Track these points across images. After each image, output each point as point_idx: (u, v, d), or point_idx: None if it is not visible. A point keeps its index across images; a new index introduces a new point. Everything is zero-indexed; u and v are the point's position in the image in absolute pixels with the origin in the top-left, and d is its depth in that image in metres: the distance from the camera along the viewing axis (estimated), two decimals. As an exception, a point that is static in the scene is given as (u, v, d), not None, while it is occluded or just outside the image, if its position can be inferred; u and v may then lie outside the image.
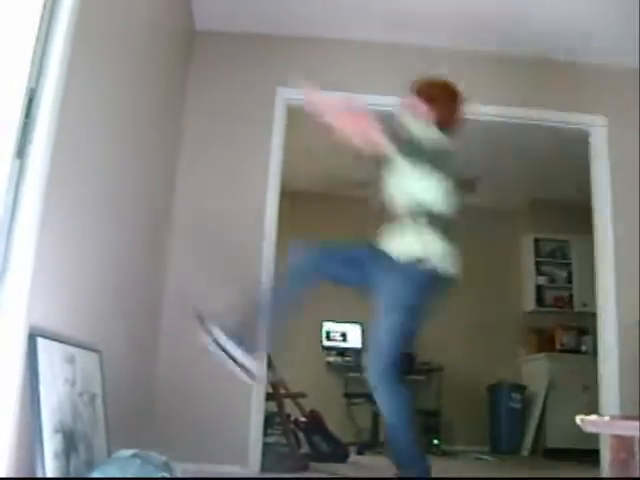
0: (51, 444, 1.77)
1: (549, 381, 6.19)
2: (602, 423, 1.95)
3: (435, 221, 2.54)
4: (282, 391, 4.26)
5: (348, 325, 6.81)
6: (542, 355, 6.44)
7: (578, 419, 1.86)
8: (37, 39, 1.82)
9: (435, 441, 5.95)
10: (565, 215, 6.42)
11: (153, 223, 3.32)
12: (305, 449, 4.65)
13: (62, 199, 1.99)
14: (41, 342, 1.83)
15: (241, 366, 2.35)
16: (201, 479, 3.06)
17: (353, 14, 3.85)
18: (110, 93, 2.43)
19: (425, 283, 2.49)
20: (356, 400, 6.22)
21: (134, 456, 1.85)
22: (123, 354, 2.75)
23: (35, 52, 1.81)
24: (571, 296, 6.78)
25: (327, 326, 6.77)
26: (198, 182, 3.87)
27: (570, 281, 6.82)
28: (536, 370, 6.46)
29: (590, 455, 4.08)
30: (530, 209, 6.92)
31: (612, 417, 2.15)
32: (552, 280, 6.92)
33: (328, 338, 6.78)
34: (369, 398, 6.51)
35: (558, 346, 6.56)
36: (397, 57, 4.04)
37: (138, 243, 2.96)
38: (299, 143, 4.36)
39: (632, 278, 3.76)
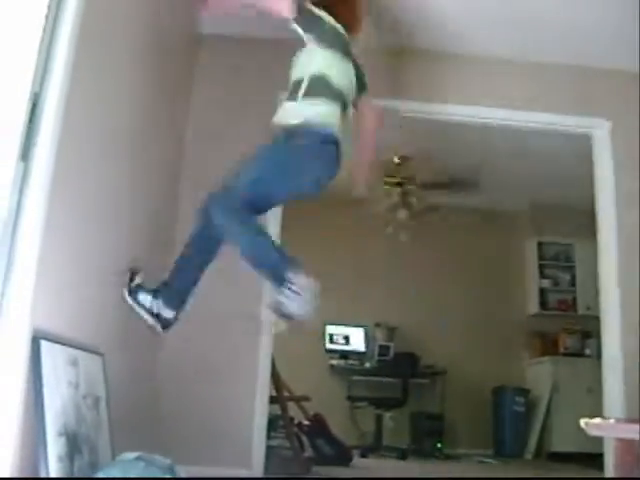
0: (55, 447, 1.77)
1: (553, 384, 6.18)
2: (607, 426, 1.95)
3: (333, 95, 2.63)
4: (286, 394, 4.26)
5: (351, 328, 6.83)
6: (546, 358, 6.43)
7: (582, 422, 1.86)
8: (41, 44, 1.83)
9: (438, 444, 5.93)
10: (569, 218, 6.42)
11: (156, 226, 3.33)
12: (308, 452, 4.64)
13: (66, 202, 1.99)
14: (45, 345, 1.83)
15: (155, 316, 2.56)
16: (204, 481, 3.07)
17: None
18: (113, 97, 2.44)
19: (305, 145, 2.54)
20: (359, 403, 6.23)
21: (138, 459, 1.85)
22: (126, 357, 2.75)
23: (39, 57, 1.83)
24: (575, 299, 6.76)
25: (330, 329, 6.77)
26: (202, 189, 3.86)
27: (574, 284, 6.81)
28: (540, 373, 6.45)
29: (594, 459, 4.06)
30: (533, 212, 6.90)
31: (617, 420, 2.15)
32: (556, 283, 6.90)
33: (331, 341, 6.79)
34: (371, 401, 6.49)
35: (562, 349, 6.55)
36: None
37: (142, 245, 2.96)
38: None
39: (636, 281, 3.75)
